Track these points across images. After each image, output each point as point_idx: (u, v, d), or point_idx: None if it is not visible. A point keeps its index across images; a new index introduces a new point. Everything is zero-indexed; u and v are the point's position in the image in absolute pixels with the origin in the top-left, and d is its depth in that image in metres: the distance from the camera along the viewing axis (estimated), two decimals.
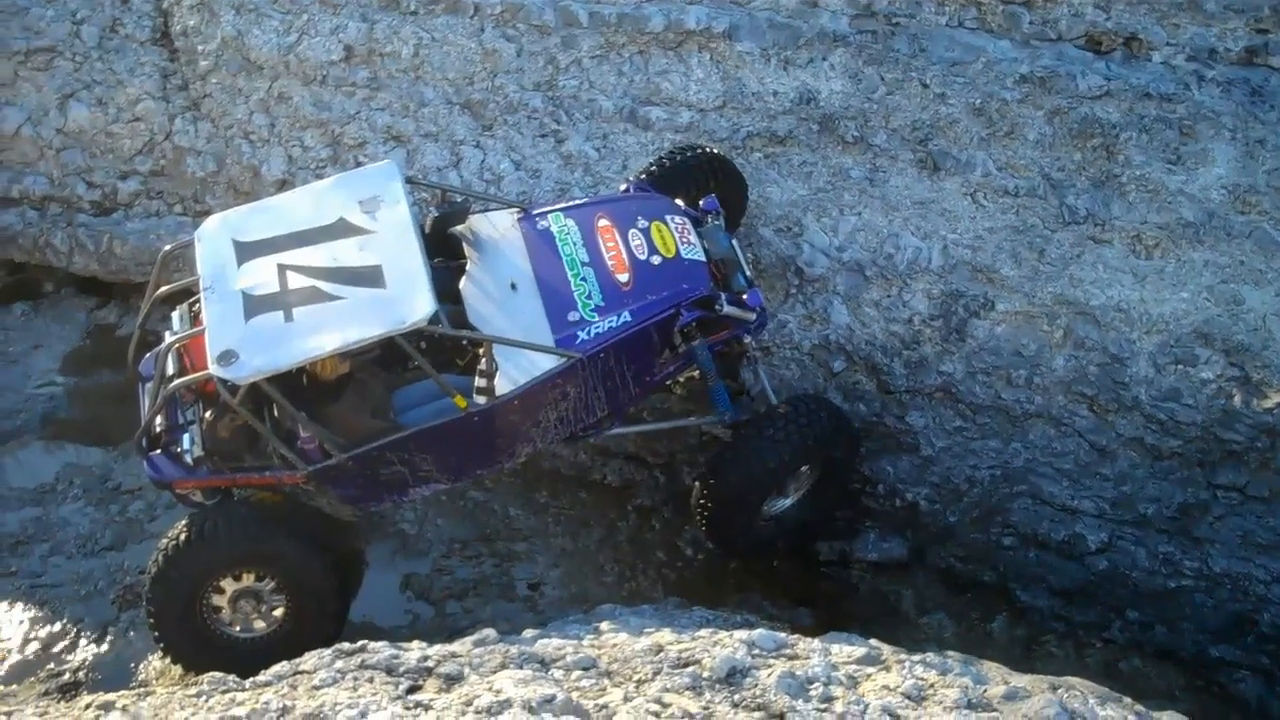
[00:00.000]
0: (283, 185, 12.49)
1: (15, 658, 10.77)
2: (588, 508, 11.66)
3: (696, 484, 10.37)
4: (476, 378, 9.17)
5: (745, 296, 9.78)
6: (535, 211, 10.14)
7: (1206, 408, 10.08)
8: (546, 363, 9.22)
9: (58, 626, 10.97)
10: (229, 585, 9.56)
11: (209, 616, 9.62)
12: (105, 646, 10.82)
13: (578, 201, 10.43)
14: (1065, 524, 10.50)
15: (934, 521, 10.92)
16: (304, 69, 12.78)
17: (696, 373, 10.24)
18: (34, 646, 10.85)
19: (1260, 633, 10.07)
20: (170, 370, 9.40)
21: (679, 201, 10.34)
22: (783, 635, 7.45)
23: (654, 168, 10.75)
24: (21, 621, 11.00)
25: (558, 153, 11.92)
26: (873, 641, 7.50)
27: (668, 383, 10.47)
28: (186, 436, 9.41)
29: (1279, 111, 10.41)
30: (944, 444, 10.85)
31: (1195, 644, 10.24)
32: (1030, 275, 10.65)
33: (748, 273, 10.12)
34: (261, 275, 9.00)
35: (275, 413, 9.15)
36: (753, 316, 9.85)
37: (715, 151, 11.04)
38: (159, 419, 9.48)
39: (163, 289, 9.92)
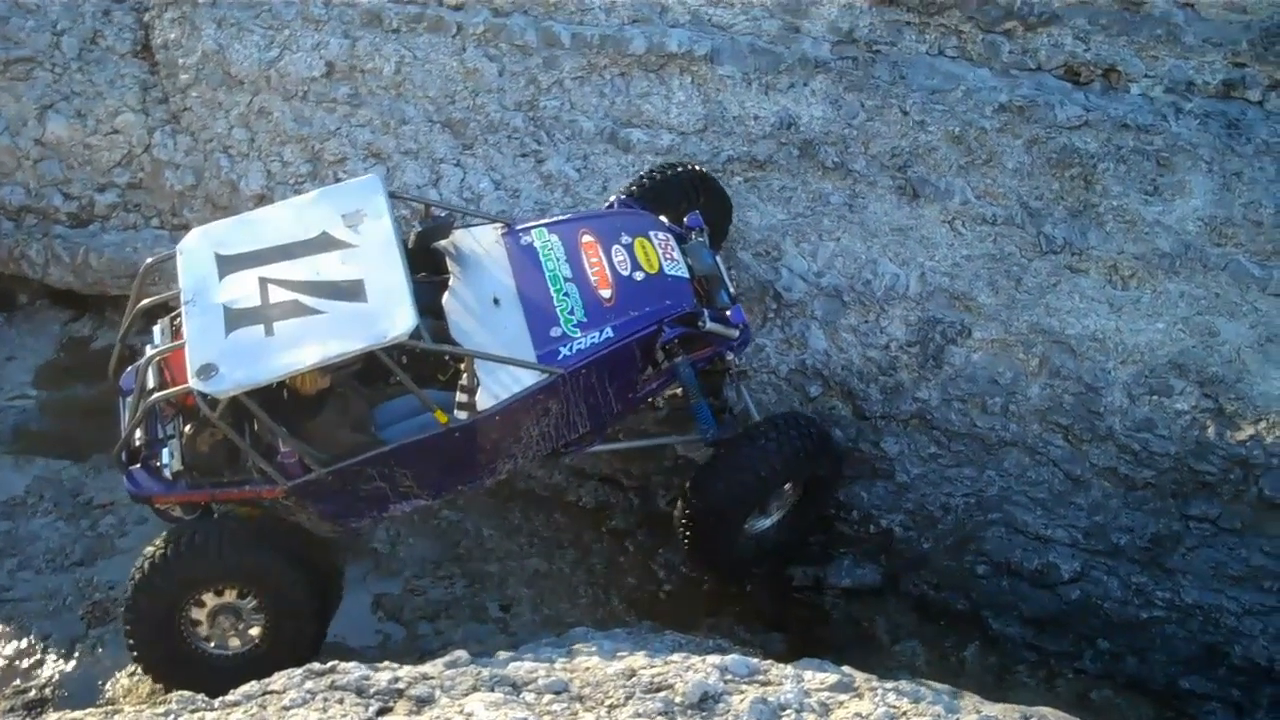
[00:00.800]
0: (261, 200, 12.46)
1: None
2: (561, 529, 11.64)
3: (679, 500, 10.33)
4: (458, 393, 9.13)
5: (728, 313, 9.76)
6: (519, 227, 10.13)
7: (1180, 439, 10.10)
8: (528, 378, 9.19)
9: (25, 642, 10.88)
10: (210, 600, 9.50)
11: (187, 631, 9.55)
12: (73, 663, 10.74)
13: (562, 217, 10.41)
14: (1038, 553, 10.51)
15: (908, 548, 10.92)
16: (285, 84, 12.76)
17: (679, 390, 10.19)
18: (0, 663, 10.76)
19: (1231, 665, 10.08)
20: (151, 384, 9.35)
21: (663, 218, 10.33)
22: (755, 661, 7.44)
23: (639, 185, 10.75)
24: None
25: (538, 172, 11.93)
26: (845, 668, 7.49)
27: (649, 400, 10.43)
28: (166, 451, 9.35)
29: (1255, 145, 10.46)
30: (919, 471, 10.86)
31: (1166, 675, 10.25)
32: (1007, 303, 10.68)
33: (731, 290, 10.11)
34: (243, 289, 8.97)
35: (255, 427, 9.09)
36: (736, 333, 9.82)
37: (700, 169, 11.06)
38: (139, 433, 9.42)
39: (144, 302, 9.86)
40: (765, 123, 11.58)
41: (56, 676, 10.65)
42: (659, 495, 11.55)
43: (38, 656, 10.78)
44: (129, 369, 10.00)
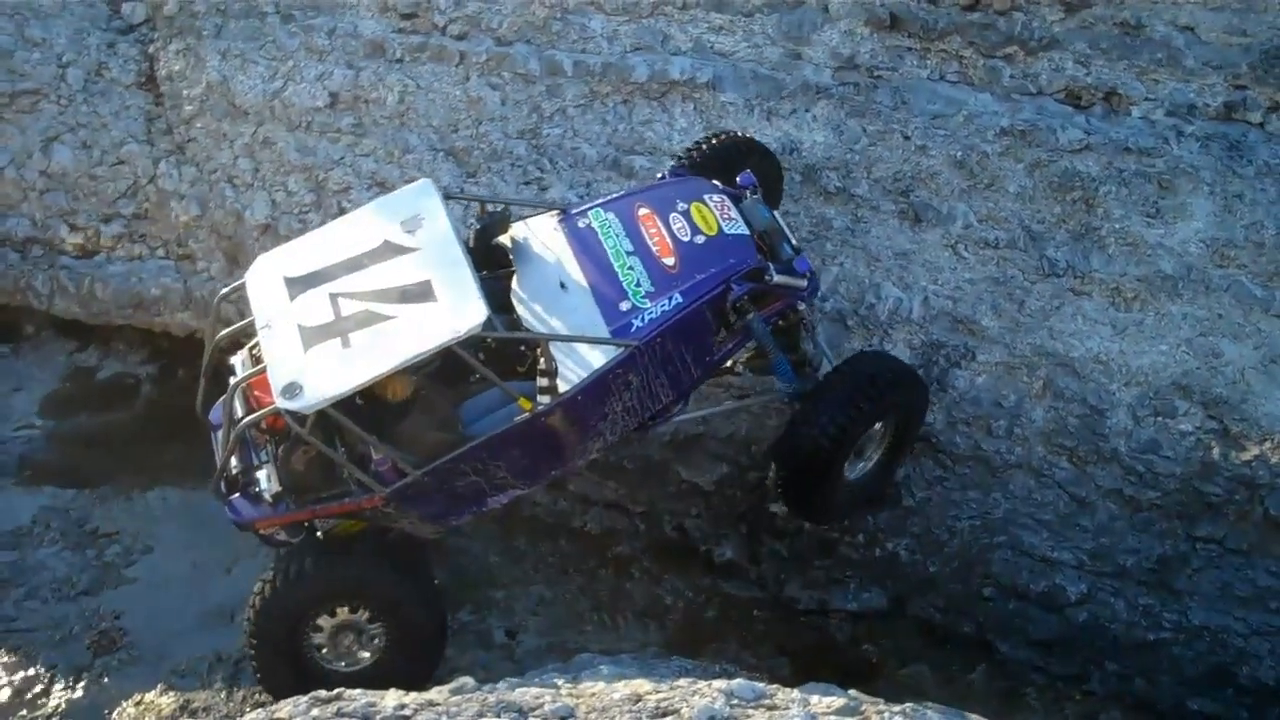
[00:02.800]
0: (265, 230, 12.52)
1: None
2: (567, 555, 11.63)
3: (772, 456, 10.29)
4: (538, 378, 9.15)
5: (794, 264, 9.76)
6: (574, 211, 10.10)
7: (1185, 460, 10.10)
8: (606, 355, 9.17)
9: (31, 672, 10.88)
10: (326, 622, 9.57)
11: (311, 653, 9.63)
12: (79, 692, 10.74)
13: (615, 195, 10.39)
14: (1045, 575, 10.50)
15: (914, 572, 10.91)
16: (289, 114, 12.83)
17: (757, 352, 10.15)
18: (6, 693, 10.76)
19: (1239, 686, 10.06)
20: (239, 412, 9.37)
21: (715, 182, 10.32)
22: (761, 685, 7.41)
23: (688, 156, 10.78)
24: None
25: (541, 200, 11.95)
26: (852, 692, 7.46)
27: (729, 366, 10.35)
28: (263, 475, 9.35)
29: (1257, 166, 10.48)
30: (924, 494, 10.86)
31: (1174, 696, 10.23)
32: (1010, 326, 10.69)
33: (793, 241, 10.04)
34: (315, 306, 9.04)
35: (345, 440, 9.15)
36: (804, 283, 9.81)
37: (746, 135, 11.11)
38: (234, 462, 9.45)
39: (222, 333, 9.90)
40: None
41: (63, 706, 10.64)
42: (665, 520, 11.55)
43: (44, 686, 10.77)
44: (216, 404, 9.98)
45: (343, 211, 12.13)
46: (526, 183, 12.05)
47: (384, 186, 12.30)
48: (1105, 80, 11.06)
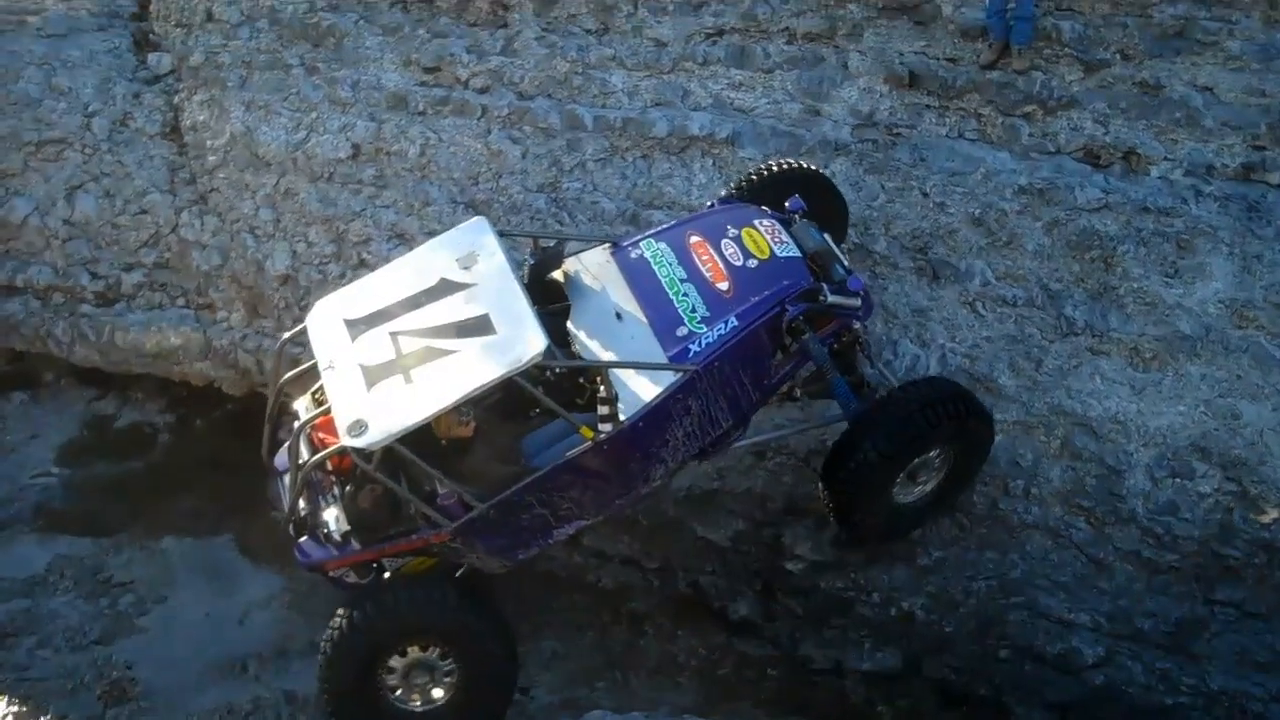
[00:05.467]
0: (286, 280, 12.58)
1: None
2: (581, 611, 11.58)
3: (821, 475, 10.18)
4: (599, 407, 9.19)
5: (846, 283, 9.77)
6: (625, 243, 10.16)
7: (1204, 522, 10.01)
8: (665, 381, 9.19)
9: None
10: (398, 661, 9.54)
11: (385, 695, 9.61)
12: None
13: (665, 226, 10.44)
14: (1062, 637, 10.38)
15: (929, 632, 10.80)
16: (311, 166, 12.92)
17: (815, 375, 10.12)
18: None
19: None
20: (304, 455, 9.40)
21: (764, 207, 10.36)
22: None
23: (745, 183, 10.84)
24: (6, 716, 10.86)
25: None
26: None
27: (788, 391, 10.28)
28: (329, 515, 9.38)
29: (1276, 227, 10.47)
30: (940, 553, 10.77)
31: None
32: (1028, 385, 10.65)
33: (845, 262, 10.05)
34: (376, 346, 9.11)
35: (410, 477, 9.17)
36: (858, 302, 9.83)
37: (808, 167, 11.08)
38: (302, 505, 9.46)
39: (286, 375, 9.93)
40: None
41: None
42: (680, 577, 11.49)
43: None
44: (280, 449, 9.99)
45: (363, 263, 12.21)
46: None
47: (404, 238, 12.36)
48: (1124, 140, 11.08)
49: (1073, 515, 10.42)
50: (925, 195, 11.41)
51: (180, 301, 13.10)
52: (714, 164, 12.00)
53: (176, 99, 13.66)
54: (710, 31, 12.59)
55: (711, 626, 11.40)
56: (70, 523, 12.35)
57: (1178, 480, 10.12)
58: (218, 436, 13.11)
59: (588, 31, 12.99)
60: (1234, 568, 9.93)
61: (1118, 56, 11.36)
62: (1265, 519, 9.83)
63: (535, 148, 12.48)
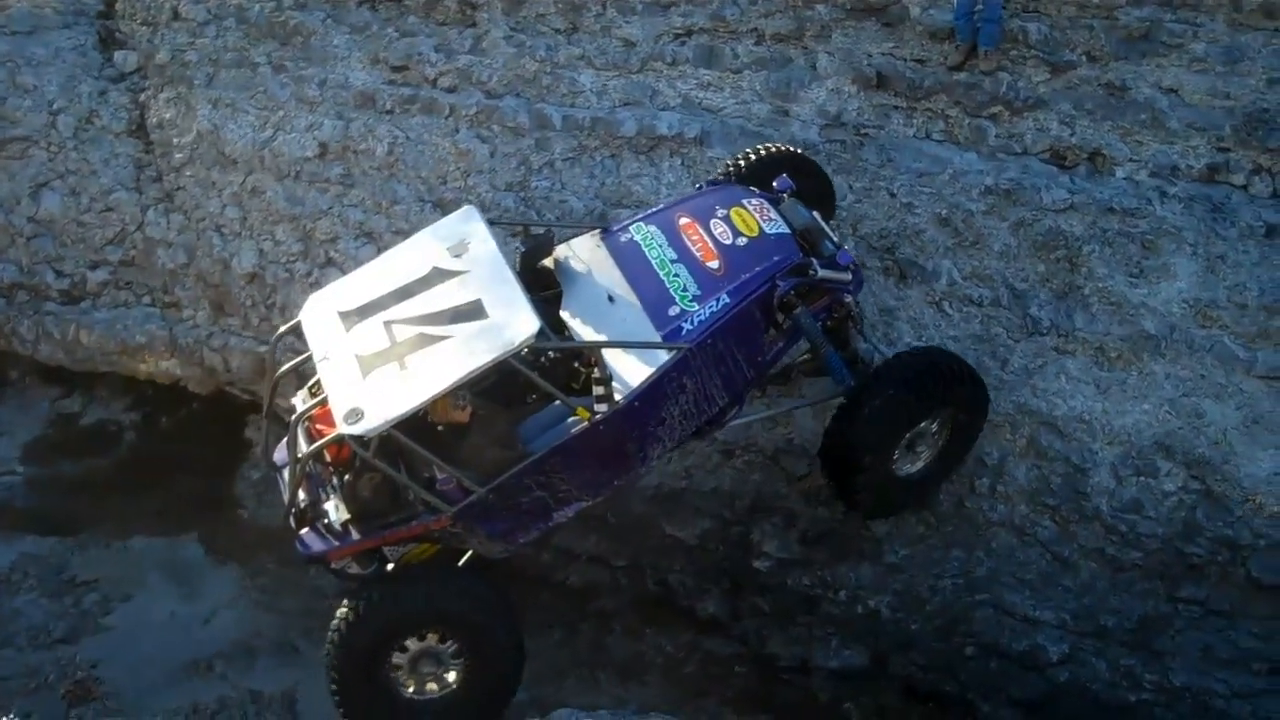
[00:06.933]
0: (253, 279, 12.54)
1: None
2: (548, 609, 11.55)
3: (821, 450, 10.25)
4: (594, 388, 9.20)
5: (836, 258, 9.78)
6: (614, 227, 10.19)
7: (1168, 520, 10.09)
8: (659, 360, 9.23)
9: None
10: (407, 649, 9.52)
11: (392, 683, 9.57)
12: None
13: (653, 209, 10.47)
14: (1027, 635, 10.44)
15: (896, 629, 10.85)
16: (278, 164, 12.88)
17: (809, 354, 10.16)
18: None
19: None
20: (303, 447, 9.39)
21: (752, 188, 10.39)
22: None
23: (733, 168, 10.85)
24: None
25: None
26: None
27: (782, 365, 10.34)
28: (330, 506, 9.38)
29: (1239, 228, 10.54)
30: (907, 551, 10.82)
31: None
32: (994, 384, 10.68)
33: (834, 238, 10.08)
34: (370, 335, 9.14)
35: (409, 464, 9.17)
36: (848, 275, 9.86)
37: (792, 149, 11.10)
38: (302, 496, 9.44)
39: (282, 369, 9.95)
40: None
41: None
42: (647, 575, 11.49)
43: None
44: (279, 444, 9.99)
45: (330, 261, 12.20)
46: (514, 234, 12.07)
47: (371, 237, 12.34)
48: (1090, 141, 11.14)
49: (1038, 513, 10.48)
50: (893, 195, 11.45)
51: (146, 300, 13.05)
52: (682, 163, 12.01)
53: (142, 97, 13.61)
54: (679, 32, 12.60)
55: (679, 624, 11.41)
56: (35, 521, 12.27)
57: (1142, 479, 10.19)
58: (183, 435, 13.06)
59: (556, 31, 12.98)
60: (1197, 565, 10.01)
61: (1084, 58, 11.42)
62: (1228, 517, 9.89)
63: (504, 147, 12.47)
